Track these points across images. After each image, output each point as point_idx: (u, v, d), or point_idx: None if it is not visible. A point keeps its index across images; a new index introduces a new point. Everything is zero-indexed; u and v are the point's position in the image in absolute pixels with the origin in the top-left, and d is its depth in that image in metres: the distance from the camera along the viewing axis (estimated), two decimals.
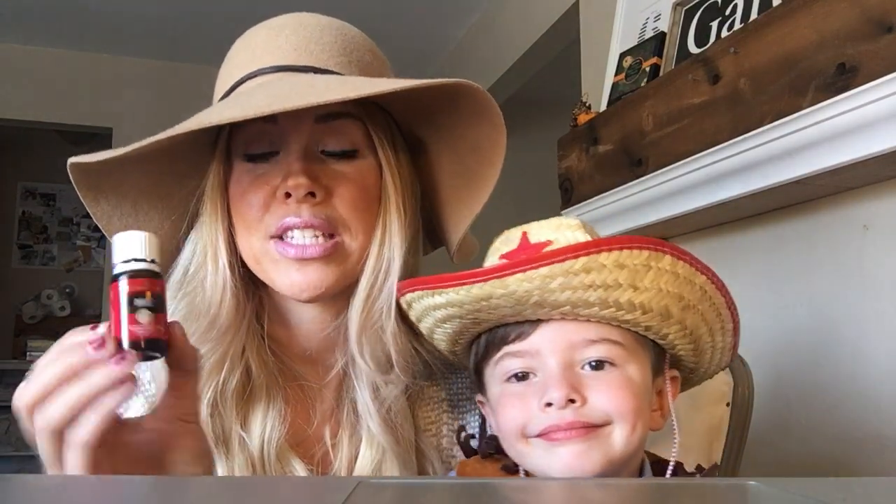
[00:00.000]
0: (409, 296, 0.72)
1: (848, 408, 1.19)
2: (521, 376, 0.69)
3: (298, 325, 0.78)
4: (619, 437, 0.66)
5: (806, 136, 1.08)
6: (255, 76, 0.73)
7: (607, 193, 1.54)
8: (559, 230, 0.70)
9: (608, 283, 0.64)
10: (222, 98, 0.76)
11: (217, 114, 0.68)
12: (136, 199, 0.76)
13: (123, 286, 0.52)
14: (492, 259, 0.73)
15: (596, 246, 0.63)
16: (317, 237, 0.71)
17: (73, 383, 0.50)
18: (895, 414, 1.12)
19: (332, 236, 0.72)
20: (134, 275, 0.53)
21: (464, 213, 0.79)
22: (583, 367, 0.67)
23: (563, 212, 1.71)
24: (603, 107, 1.64)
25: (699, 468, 0.78)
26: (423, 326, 0.75)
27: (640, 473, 0.74)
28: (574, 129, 1.67)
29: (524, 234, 0.71)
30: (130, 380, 0.51)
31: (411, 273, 0.76)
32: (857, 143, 1.03)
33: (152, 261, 0.54)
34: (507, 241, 0.72)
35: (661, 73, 1.48)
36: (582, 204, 1.64)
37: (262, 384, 0.74)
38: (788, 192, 1.21)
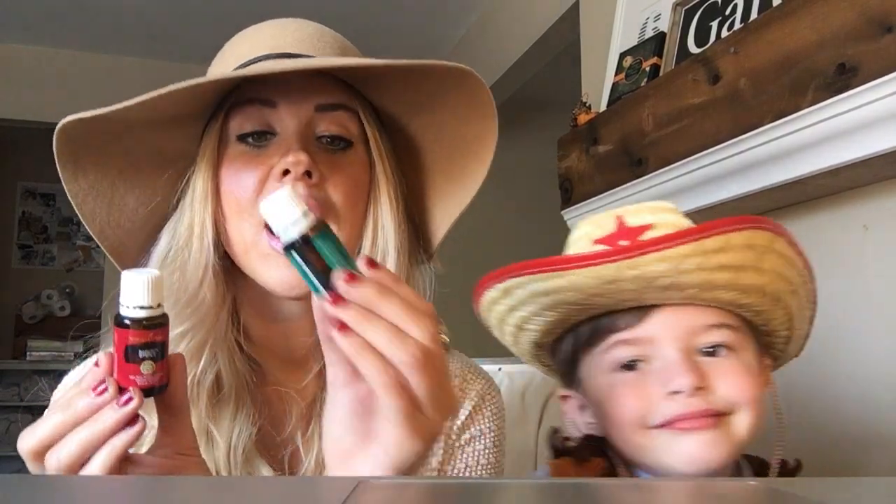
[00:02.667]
0: (510, 281, 0.66)
1: (848, 408, 1.19)
2: (630, 365, 0.66)
3: (278, 321, 0.76)
4: (743, 426, 0.64)
5: (806, 136, 1.08)
6: (260, 60, 0.73)
7: (607, 193, 1.54)
8: (656, 213, 0.68)
9: (735, 264, 0.62)
10: None
11: (220, 74, 0.69)
12: (114, 179, 0.75)
13: (128, 336, 0.53)
14: (581, 245, 0.69)
15: (726, 224, 0.60)
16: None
17: (84, 426, 0.53)
18: (895, 414, 1.12)
19: None
20: (138, 325, 0.53)
21: (451, 208, 0.79)
22: (699, 354, 0.65)
23: (563, 212, 1.71)
24: (603, 107, 1.63)
25: (784, 463, 0.73)
26: (517, 316, 0.70)
27: (737, 468, 0.71)
28: (574, 129, 1.67)
29: (619, 217, 0.68)
30: (137, 420, 0.54)
31: (411, 269, 0.75)
32: (857, 143, 1.03)
33: (158, 305, 0.54)
34: (598, 226, 0.69)
35: (661, 73, 1.48)
36: (582, 204, 1.63)
37: (231, 390, 0.72)
38: (788, 192, 1.21)
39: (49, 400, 0.76)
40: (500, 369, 1.15)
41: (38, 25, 3.39)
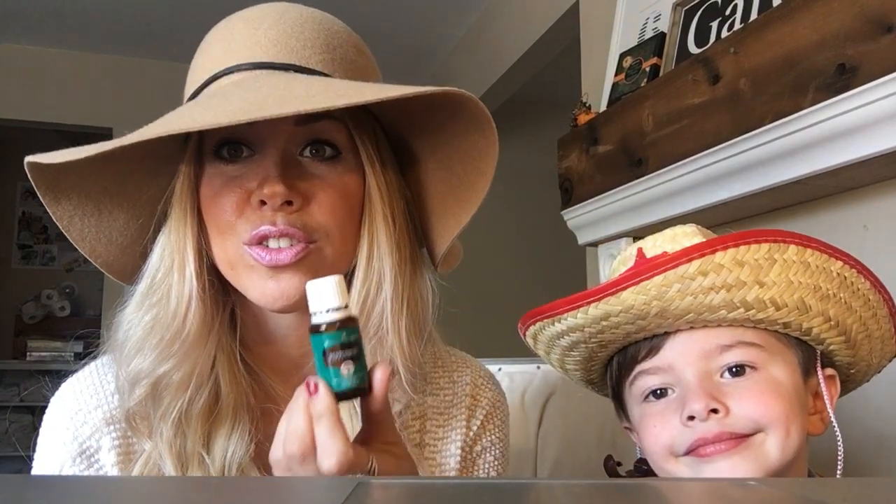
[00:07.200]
0: (531, 329, 0.70)
1: (848, 408, 1.19)
2: (661, 393, 0.66)
3: (276, 332, 0.74)
4: (773, 446, 0.62)
5: (806, 136, 1.08)
6: (231, 72, 0.69)
7: (607, 193, 1.54)
8: (675, 240, 0.68)
9: (729, 283, 0.60)
10: (195, 92, 0.71)
11: (190, 119, 0.63)
12: (99, 198, 0.71)
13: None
14: None
15: (710, 246, 0.60)
16: (291, 244, 0.66)
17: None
18: (895, 414, 1.12)
19: (308, 243, 0.67)
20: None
21: (451, 224, 0.75)
22: (722, 375, 0.64)
23: (562, 212, 1.71)
24: (603, 107, 1.64)
25: None
26: (553, 358, 0.73)
27: None
28: (574, 129, 1.67)
29: (639, 250, 0.69)
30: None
31: (412, 288, 0.71)
32: (857, 143, 1.03)
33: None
34: (624, 261, 0.70)
35: (661, 74, 1.48)
36: (582, 204, 1.63)
37: (230, 404, 0.69)
38: (788, 192, 1.21)
39: (49, 400, 0.75)
40: (500, 369, 1.15)
41: (38, 25, 3.39)
